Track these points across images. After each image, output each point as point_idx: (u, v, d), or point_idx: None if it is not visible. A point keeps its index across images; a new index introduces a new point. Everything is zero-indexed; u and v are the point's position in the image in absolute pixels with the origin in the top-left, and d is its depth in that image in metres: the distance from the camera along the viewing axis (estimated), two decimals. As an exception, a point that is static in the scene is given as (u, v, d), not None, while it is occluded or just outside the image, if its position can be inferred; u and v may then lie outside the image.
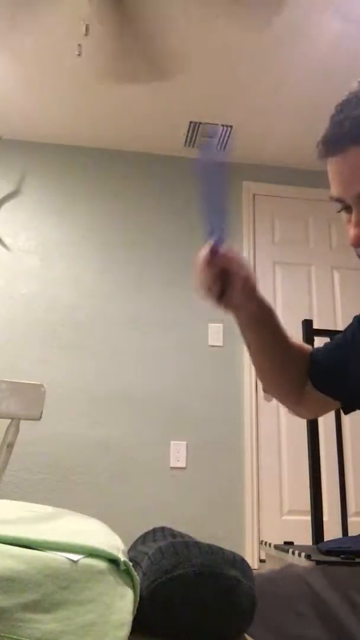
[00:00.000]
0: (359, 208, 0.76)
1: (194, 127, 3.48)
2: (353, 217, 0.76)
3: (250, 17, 2.61)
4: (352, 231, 0.77)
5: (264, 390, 1.04)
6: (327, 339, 2.44)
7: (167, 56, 2.73)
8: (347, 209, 0.78)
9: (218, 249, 0.82)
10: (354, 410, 1.00)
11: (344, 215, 0.81)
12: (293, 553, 1.73)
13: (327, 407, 1.02)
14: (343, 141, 0.73)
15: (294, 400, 1.01)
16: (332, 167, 0.77)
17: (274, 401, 3.49)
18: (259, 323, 0.93)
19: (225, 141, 0.76)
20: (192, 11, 2.60)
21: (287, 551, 1.77)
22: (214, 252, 0.82)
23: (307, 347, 1.03)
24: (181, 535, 0.75)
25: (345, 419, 2.71)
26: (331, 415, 2.19)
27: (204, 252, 0.83)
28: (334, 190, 0.78)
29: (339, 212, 0.80)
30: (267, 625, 0.71)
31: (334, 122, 0.75)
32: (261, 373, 1.00)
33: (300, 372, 0.98)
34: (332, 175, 0.77)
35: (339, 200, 0.78)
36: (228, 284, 0.84)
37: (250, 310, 0.90)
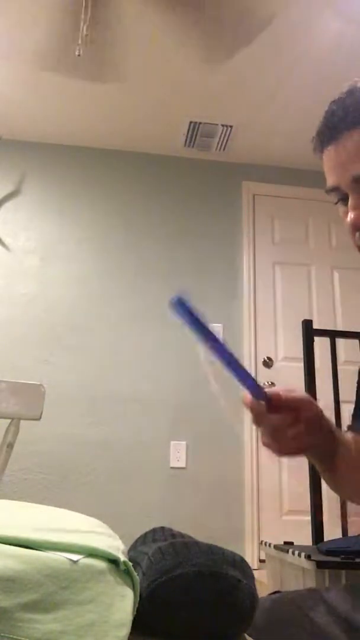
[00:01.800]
0: (355, 192, 0.73)
1: (194, 127, 3.47)
2: (350, 201, 0.74)
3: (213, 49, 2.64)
4: (351, 215, 0.75)
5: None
6: (327, 339, 2.44)
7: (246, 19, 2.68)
8: (344, 200, 0.76)
9: (261, 396, 0.70)
10: None
11: (340, 208, 0.79)
12: (293, 553, 1.73)
13: None
14: (337, 128, 0.73)
15: None
16: (327, 157, 0.76)
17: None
18: (331, 454, 0.80)
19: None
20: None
21: (287, 551, 1.77)
22: (264, 399, 0.70)
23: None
24: (181, 535, 0.75)
25: (345, 419, 2.71)
26: (331, 414, 2.19)
27: (256, 414, 0.70)
28: (330, 180, 0.76)
29: (336, 203, 0.78)
30: None
31: (326, 114, 0.75)
32: (347, 493, 0.89)
33: None
34: (327, 165, 0.76)
35: (335, 189, 0.76)
36: (293, 429, 0.71)
37: (324, 444, 0.77)
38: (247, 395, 0.70)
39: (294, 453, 0.74)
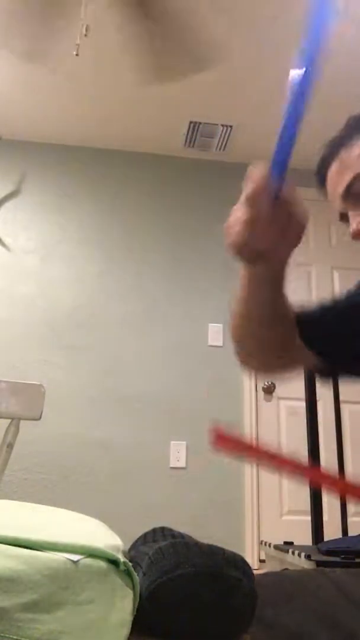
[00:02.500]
0: (349, 202, 0.75)
1: (194, 127, 3.47)
2: (350, 213, 0.76)
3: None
4: (354, 225, 0.76)
5: (241, 361, 0.89)
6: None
7: (203, 47, 2.70)
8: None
9: (280, 188, 0.62)
10: (332, 375, 0.91)
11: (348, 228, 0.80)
12: (293, 553, 1.73)
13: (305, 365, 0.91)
14: (332, 154, 0.76)
15: (278, 364, 0.92)
16: (329, 184, 0.79)
17: (274, 401, 3.49)
18: (277, 280, 0.76)
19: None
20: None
21: (287, 551, 1.77)
22: (275, 191, 0.62)
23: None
24: (181, 535, 0.75)
25: (345, 418, 2.72)
26: (331, 414, 2.19)
27: (260, 185, 0.63)
28: (336, 205, 0.78)
29: (341, 221, 0.80)
30: (265, 624, 0.72)
31: (321, 153, 0.78)
32: (251, 336, 0.85)
33: (290, 329, 0.86)
34: (330, 190, 0.79)
35: (342, 213, 0.78)
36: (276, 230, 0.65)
37: (280, 266, 0.72)
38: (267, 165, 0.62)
39: (253, 253, 0.67)
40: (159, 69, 2.82)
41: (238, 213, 0.65)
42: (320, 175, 0.80)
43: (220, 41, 2.79)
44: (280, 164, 0.61)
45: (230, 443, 0.62)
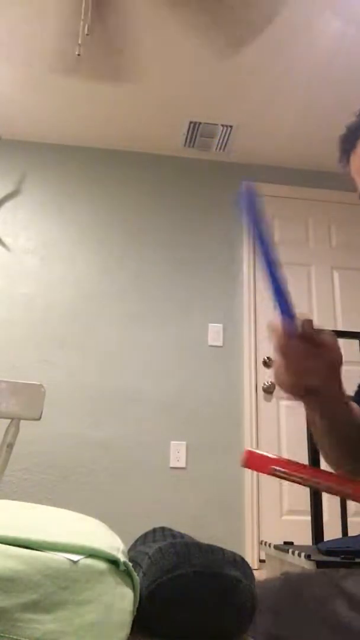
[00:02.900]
0: None
1: (194, 127, 3.47)
2: None
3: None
4: None
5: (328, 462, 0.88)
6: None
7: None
8: None
9: (293, 324, 0.68)
10: None
11: None
12: (293, 553, 1.73)
13: None
14: (354, 137, 0.77)
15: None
16: (353, 164, 0.79)
17: (274, 400, 3.49)
18: (336, 404, 0.77)
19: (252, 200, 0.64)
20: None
21: (287, 551, 1.77)
22: (291, 330, 0.68)
23: None
24: (181, 535, 0.75)
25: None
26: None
27: (281, 335, 0.68)
28: (358, 182, 0.80)
29: None
30: (267, 633, 0.71)
31: (348, 125, 0.79)
32: (334, 457, 0.86)
33: None
34: (355, 166, 0.80)
35: None
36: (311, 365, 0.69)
37: (332, 392, 0.75)
38: (277, 315, 0.67)
39: (302, 390, 0.71)
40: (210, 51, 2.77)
41: (276, 362, 0.70)
42: (346, 146, 0.81)
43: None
44: (285, 309, 0.67)
45: (262, 461, 0.64)
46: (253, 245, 3.64)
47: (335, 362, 0.72)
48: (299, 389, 0.71)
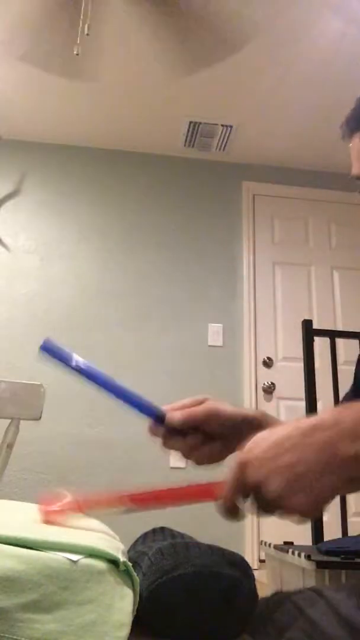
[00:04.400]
0: None
1: (194, 127, 3.47)
2: None
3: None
4: None
5: None
6: (326, 339, 2.44)
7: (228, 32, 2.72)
8: None
9: (155, 413, 0.71)
10: None
11: None
12: (293, 553, 1.72)
13: None
14: None
15: None
16: (353, 147, 0.79)
17: (274, 400, 3.47)
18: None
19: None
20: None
21: (287, 551, 1.77)
22: (158, 420, 0.70)
23: None
24: (181, 535, 0.75)
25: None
26: (331, 415, 2.19)
27: (153, 432, 0.70)
28: (355, 168, 0.79)
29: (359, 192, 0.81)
30: None
31: (357, 102, 0.78)
32: None
33: None
34: (353, 153, 0.79)
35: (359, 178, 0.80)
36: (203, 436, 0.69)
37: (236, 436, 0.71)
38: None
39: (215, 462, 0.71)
40: (185, 60, 2.80)
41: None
42: (350, 126, 0.80)
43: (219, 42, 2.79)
44: (145, 410, 0.70)
45: (59, 509, 0.61)
46: (253, 246, 3.64)
47: (227, 427, 0.69)
48: (213, 462, 0.71)
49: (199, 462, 0.70)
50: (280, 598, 0.83)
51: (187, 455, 0.69)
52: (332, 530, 2.09)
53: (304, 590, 0.85)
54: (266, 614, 0.77)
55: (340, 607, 0.75)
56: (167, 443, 0.68)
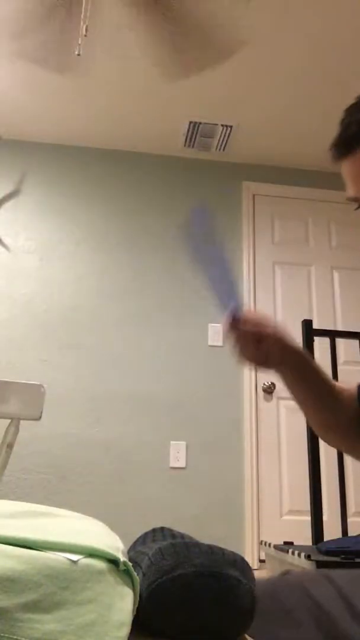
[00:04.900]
0: None
1: (194, 127, 3.47)
2: None
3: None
4: None
5: (321, 438, 1.00)
6: (327, 339, 2.44)
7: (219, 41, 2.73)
8: None
9: (237, 315, 0.83)
10: None
11: None
12: (293, 553, 1.73)
13: None
14: (350, 144, 0.77)
15: (350, 446, 0.97)
16: (344, 169, 0.81)
17: (274, 401, 3.49)
18: (301, 374, 0.91)
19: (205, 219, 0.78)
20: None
21: (287, 551, 1.77)
22: (235, 319, 0.83)
23: (350, 387, 0.98)
24: (181, 535, 0.75)
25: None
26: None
27: (225, 323, 0.84)
28: (350, 189, 0.81)
29: (355, 209, 0.84)
30: (266, 636, 0.71)
31: (342, 126, 0.79)
32: (314, 424, 0.97)
33: (350, 414, 0.94)
34: (345, 176, 0.81)
35: (355, 199, 0.81)
36: (262, 344, 0.84)
37: (290, 363, 0.89)
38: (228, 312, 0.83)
39: (260, 361, 0.86)
40: (179, 64, 2.81)
41: (231, 344, 0.86)
42: (340, 151, 0.81)
43: (220, 42, 2.79)
44: (230, 301, 0.83)
45: None
46: (253, 246, 3.64)
47: (273, 336, 0.85)
48: (252, 362, 0.86)
49: (248, 353, 0.85)
50: (287, 579, 0.84)
51: (240, 343, 0.84)
52: (332, 530, 2.09)
53: (311, 573, 0.86)
54: (273, 593, 0.78)
55: (345, 590, 0.76)
56: (232, 328, 0.84)
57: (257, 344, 0.84)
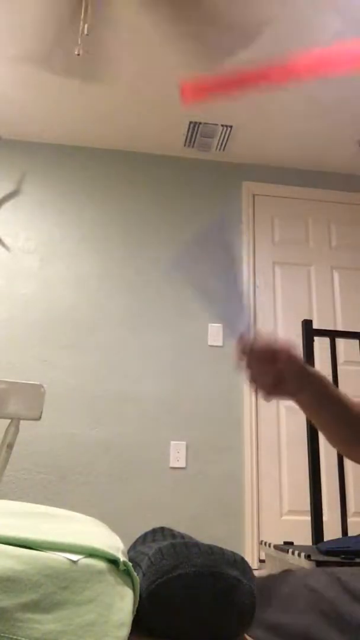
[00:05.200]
0: None
1: (194, 127, 3.47)
2: None
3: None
4: None
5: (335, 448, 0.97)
6: (326, 339, 2.44)
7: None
8: None
9: (248, 338, 0.80)
10: None
11: None
12: (293, 553, 1.73)
13: None
14: None
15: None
16: None
17: (274, 400, 3.49)
18: (321, 399, 0.87)
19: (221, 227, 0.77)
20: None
21: (287, 551, 1.77)
22: (245, 343, 0.81)
23: None
24: (181, 535, 0.75)
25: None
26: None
27: (236, 348, 0.82)
28: None
29: None
30: (267, 625, 0.71)
31: None
32: (336, 443, 0.93)
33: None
34: None
35: None
36: (275, 365, 0.81)
37: (309, 391, 0.85)
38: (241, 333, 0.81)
39: (271, 390, 0.82)
40: (207, 52, 2.80)
41: (244, 370, 0.83)
42: None
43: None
44: (244, 324, 0.81)
45: (201, 90, 0.72)
46: (253, 246, 3.64)
47: (290, 364, 0.82)
48: (266, 387, 0.82)
49: (259, 380, 0.82)
50: (285, 573, 0.85)
51: (251, 369, 0.81)
52: (332, 530, 2.09)
53: (312, 570, 0.87)
54: (273, 588, 0.79)
55: (343, 577, 0.77)
56: (244, 352, 0.81)
57: (270, 365, 0.80)
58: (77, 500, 2.95)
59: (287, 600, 0.76)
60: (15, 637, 0.42)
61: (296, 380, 0.82)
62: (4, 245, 3.44)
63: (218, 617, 0.56)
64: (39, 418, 1.42)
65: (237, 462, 3.18)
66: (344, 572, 0.80)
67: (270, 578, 0.85)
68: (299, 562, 1.65)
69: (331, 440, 0.93)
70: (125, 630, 0.48)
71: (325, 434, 0.92)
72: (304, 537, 2.13)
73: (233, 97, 3.20)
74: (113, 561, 0.51)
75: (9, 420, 1.39)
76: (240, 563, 0.60)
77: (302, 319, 2.38)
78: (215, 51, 2.85)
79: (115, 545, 0.56)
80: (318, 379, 0.86)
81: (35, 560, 0.46)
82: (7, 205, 3.52)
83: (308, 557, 1.60)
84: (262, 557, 2.86)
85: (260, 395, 0.82)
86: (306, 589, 0.77)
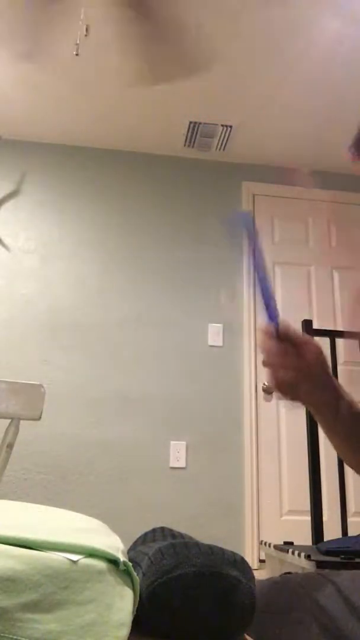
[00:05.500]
0: None
1: (194, 127, 3.47)
2: None
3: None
4: None
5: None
6: (326, 339, 2.45)
7: (196, 51, 2.73)
8: None
9: (276, 327, 0.76)
10: None
11: None
12: (293, 553, 1.72)
13: None
14: None
15: None
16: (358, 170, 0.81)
17: (274, 401, 3.49)
18: (337, 413, 0.78)
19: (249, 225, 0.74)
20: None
21: (287, 551, 1.77)
22: (272, 331, 0.75)
23: None
24: (181, 535, 0.75)
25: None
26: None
27: (261, 334, 0.76)
28: None
29: None
30: (266, 635, 0.71)
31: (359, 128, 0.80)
32: (353, 467, 0.85)
33: None
34: None
35: None
36: (299, 366, 0.74)
37: (328, 402, 0.77)
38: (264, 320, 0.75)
39: (285, 387, 0.75)
40: (150, 73, 2.83)
41: (263, 362, 0.76)
42: (357, 148, 0.82)
43: (220, 42, 2.79)
44: (271, 314, 0.76)
45: None
46: (253, 247, 3.64)
47: (313, 363, 0.75)
48: (281, 381, 0.75)
49: (276, 373, 0.75)
50: (286, 579, 0.85)
51: (270, 359, 0.75)
52: (332, 530, 2.09)
53: (311, 574, 0.86)
54: (272, 593, 0.78)
55: (344, 588, 0.76)
56: (266, 340, 0.75)
57: (295, 359, 0.74)
58: (77, 500, 2.95)
59: (288, 612, 0.75)
60: (15, 637, 0.42)
61: (319, 386, 0.75)
62: (4, 245, 3.44)
63: (218, 617, 0.56)
64: (39, 418, 1.41)
65: (237, 462, 3.18)
66: (344, 579, 0.79)
67: (270, 583, 0.84)
68: (299, 562, 1.65)
69: (349, 463, 0.85)
70: (125, 630, 0.48)
71: (341, 455, 0.85)
72: (304, 537, 2.13)
73: (235, 97, 3.20)
74: (113, 561, 0.51)
75: (9, 420, 1.39)
76: (240, 563, 0.60)
77: (302, 319, 2.38)
78: (185, 62, 2.85)
79: (115, 545, 0.56)
80: (348, 403, 0.77)
81: (35, 560, 0.46)
82: (7, 205, 3.52)
83: (308, 557, 1.60)
84: (262, 557, 2.86)
85: (278, 395, 0.75)
86: (308, 599, 0.76)
